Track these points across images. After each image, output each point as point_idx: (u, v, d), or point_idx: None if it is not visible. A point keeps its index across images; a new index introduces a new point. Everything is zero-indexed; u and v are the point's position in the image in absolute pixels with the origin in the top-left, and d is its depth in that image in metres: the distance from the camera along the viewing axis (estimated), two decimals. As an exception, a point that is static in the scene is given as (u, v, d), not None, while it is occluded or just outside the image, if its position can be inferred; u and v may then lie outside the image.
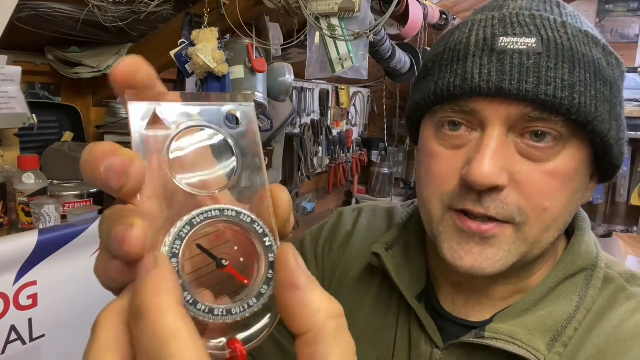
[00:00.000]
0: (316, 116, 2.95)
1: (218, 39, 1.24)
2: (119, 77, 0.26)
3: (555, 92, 0.46)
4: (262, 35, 1.40)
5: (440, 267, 0.62)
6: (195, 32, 1.24)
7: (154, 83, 0.27)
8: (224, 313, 0.26)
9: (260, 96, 1.36)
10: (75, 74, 1.39)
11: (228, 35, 1.38)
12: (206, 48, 1.21)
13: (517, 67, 0.47)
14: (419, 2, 1.78)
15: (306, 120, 2.83)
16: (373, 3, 1.43)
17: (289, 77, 1.48)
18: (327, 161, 3.18)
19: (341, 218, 0.76)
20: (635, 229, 3.29)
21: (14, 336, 1.01)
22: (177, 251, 0.25)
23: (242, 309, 0.26)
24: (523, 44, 0.48)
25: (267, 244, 0.27)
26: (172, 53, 1.25)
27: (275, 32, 1.48)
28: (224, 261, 0.27)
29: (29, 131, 1.25)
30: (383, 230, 0.70)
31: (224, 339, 0.26)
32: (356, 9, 1.23)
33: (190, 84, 1.37)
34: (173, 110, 0.27)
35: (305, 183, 2.95)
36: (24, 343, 1.03)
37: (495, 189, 0.49)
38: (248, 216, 0.27)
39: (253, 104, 0.30)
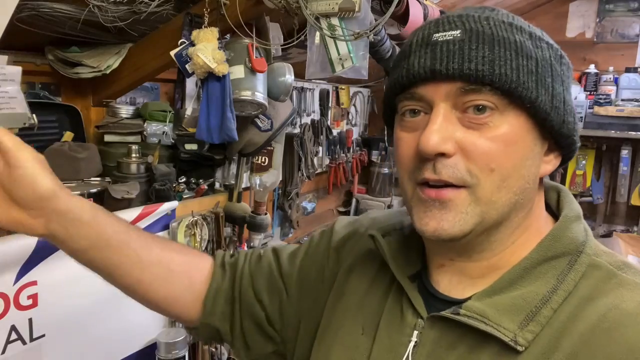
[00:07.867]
0: (316, 116, 2.95)
1: (218, 39, 1.24)
2: None
3: (477, 67, 0.55)
4: (262, 35, 1.40)
5: (430, 250, 0.69)
6: (195, 32, 1.24)
7: None
8: None
9: (260, 96, 1.36)
10: (75, 74, 1.39)
11: (228, 35, 1.38)
12: (206, 48, 1.21)
13: (445, 52, 0.57)
14: (419, 2, 1.78)
15: (306, 120, 2.83)
16: (373, 3, 1.43)
17: (289, 77, 1.48)
18: (327, 161, 3.18)
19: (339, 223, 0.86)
20: (635, 228, 3.29)
21: (14, 336, 1.01)
22: None
23: None
24: (450, 35, 0.58)
25: None
26: (172, 53, 1.26)
27: (275, 32, 1.47)
28: None
29: (29, 131, 1.25)
30: (384, 221, 0.79)
31: None
32: (356, 9, 1.23)
33: (191, 83, 1.37)
34: None
35: (306, 183, 2.95)
36: (24, 343, 1.03)
37: (444, 156, 0.57)
38: None
39: None
